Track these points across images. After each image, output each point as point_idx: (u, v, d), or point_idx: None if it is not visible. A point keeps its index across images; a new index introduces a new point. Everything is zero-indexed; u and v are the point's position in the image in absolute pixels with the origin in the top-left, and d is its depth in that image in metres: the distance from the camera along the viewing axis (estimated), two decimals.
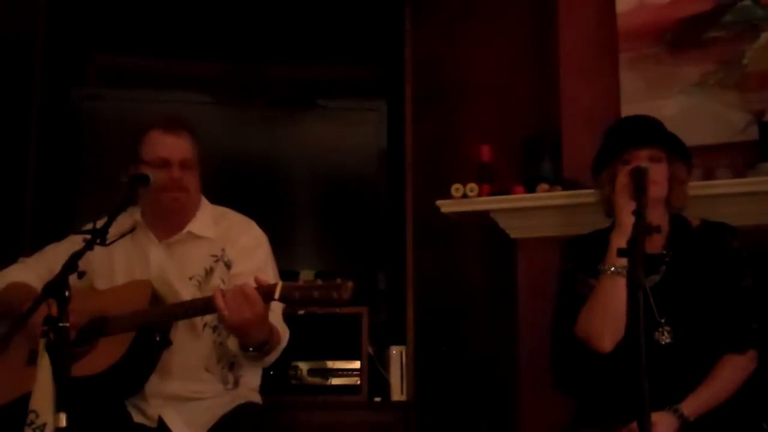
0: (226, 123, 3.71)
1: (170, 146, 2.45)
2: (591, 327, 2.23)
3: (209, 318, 2.42)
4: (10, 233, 3.48)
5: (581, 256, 2.39)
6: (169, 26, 3.79)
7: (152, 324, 2.33)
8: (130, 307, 2.34)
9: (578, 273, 2.36)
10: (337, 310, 2.31)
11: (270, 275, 2.46)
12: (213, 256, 2.50)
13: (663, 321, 2.23)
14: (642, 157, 2.28)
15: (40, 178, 3.63)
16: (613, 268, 2.20)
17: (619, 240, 2.14)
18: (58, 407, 1.83)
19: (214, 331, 2.45)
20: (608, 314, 2.18)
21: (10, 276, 2.57)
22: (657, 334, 2.22)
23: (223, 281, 2.45)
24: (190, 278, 2.48)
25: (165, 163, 2.43)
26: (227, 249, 2.50)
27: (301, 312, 2.58)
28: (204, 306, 2.25)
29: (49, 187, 3.61)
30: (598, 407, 2.26)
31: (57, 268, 2.42)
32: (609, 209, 2.38)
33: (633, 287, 1.81)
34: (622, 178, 2.24)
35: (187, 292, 2.43)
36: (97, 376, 2.26)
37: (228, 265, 2.49)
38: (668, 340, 2.22)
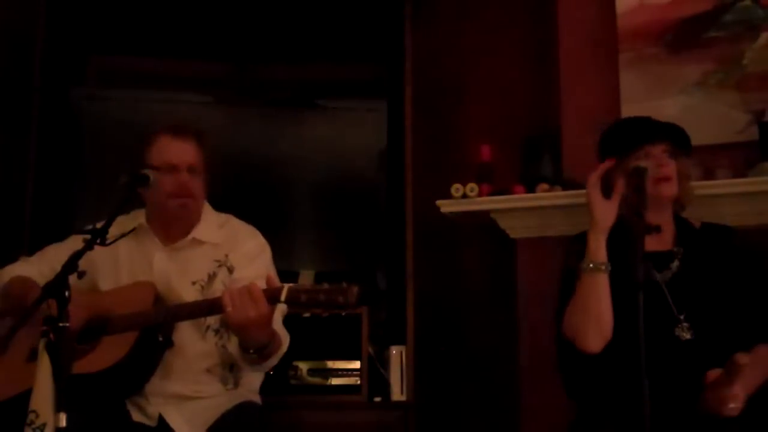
0: (226, 123, 3.70)
1: (178, 151, 2.45)
2: (575, 327, 2.20)
3: (212, 321, 2.43)
4: (10, 233, 3.47)
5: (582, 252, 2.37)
6: (169, 26, 3.78)
7: (156, 324, 2.34)
8: (134, 307, 2.35)
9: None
10: (342, 313, 2.30)
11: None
12: (216, 261, 2.51)
13: (682, 317, 2.21)
14: (657, 152, 2.27)
15: (41, 178, 3.63)
16: (591, 265, 2.17)
17: (596, 236, 2.16)
18: (58, 407, 1.83)
19: (216, 334, 2.46)
20: (590, 313, 2.16)
21: (14, 271, 2.58)
22: (677, 330, 2.20)
23: (225, 285, 2.45)
24: (193, 283, 2.48)
25: (173, 168, 2.43)
26: (231, 254, 2.51)
27: (307, 315, 2.60)
28: (208, 307, 2.27)
29: (50, 188, 3.61)
30: (602, 411, 2.23)
31: (59, 266, 2.44)
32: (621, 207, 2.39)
33: (633, 288, 1.82)
34: (594, 177, 2.24)
35: (190, 297, 2.44)
36: (98, 374, 2.26)
37: (231, 270, 2.50)
38: (689, 336, 2.19)
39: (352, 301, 2.06)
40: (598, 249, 2.18)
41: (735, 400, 2.00)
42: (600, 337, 2.16)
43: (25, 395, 2.02)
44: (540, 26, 3.47)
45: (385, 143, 3.72)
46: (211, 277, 2.49)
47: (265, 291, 2.15)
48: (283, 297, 2.12)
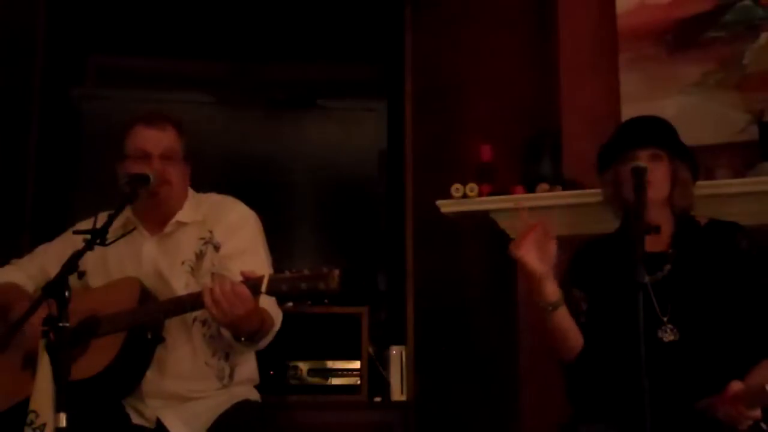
0: (227, 123, 3.71)
1: (151, 139, 2.45)
2: (552, 348, 2.31)
3: (198, 312, 2.40)
4: (10, 233, 3.47)
5: (578, 268, 2.39)
6: (169, 26, 3.78)
7: (142, 323, 2.32)
8: (119, 305, 2.33)
9: (573, 288, 2.34)
10: (325, 302, 2.25)
11: (260, 253, 2.46)
12: (201, 239, 2.49)
13: (666, 319, 2.21)
14: (642, 158, 2.27)
15: (40, 177, 3.63)
16: (543, 305, 2.22)
17: (543, 283, 2.18)
18: (58, 407, 1.83)
19: (203, 325, 2.44)
20: (556, 341, 2.26)
21: (0, 277, 2.57)
22: (660, 332, 2.20)
23: (214, 264, 2.45)
24: (182, 263, 2.46)
25: (145, 155, 2.43)
26: (215, 231, 2.49)
27: (290, 304, 2.59)
28: (192, 302, 2.25)
29: (49, 187, 3.61)
30: (595, 410, 2.24)
31: (49, 266, 2.45)
32: (614, 209, 2.39)
33: (632, 288, 1.83)
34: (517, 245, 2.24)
35: (180, 280, 2.43)
36: (92, 379, 2.25)
37: (217, 248, 2.47)
38: (672, 338, 2.20)
39: (334, 287, 2.03)
40: (548, 291, 2.21)
41: (750, 420, 2.01)
42: (569, 355, 2.27)
43: (25, 401, 2.01)
44: (540, 26, 3.47)
45: (385, 143, 3.72)
46: (199, 256, 2.47)
47: (245, 282, 2.12)
48: (263, 288, 2.10)
